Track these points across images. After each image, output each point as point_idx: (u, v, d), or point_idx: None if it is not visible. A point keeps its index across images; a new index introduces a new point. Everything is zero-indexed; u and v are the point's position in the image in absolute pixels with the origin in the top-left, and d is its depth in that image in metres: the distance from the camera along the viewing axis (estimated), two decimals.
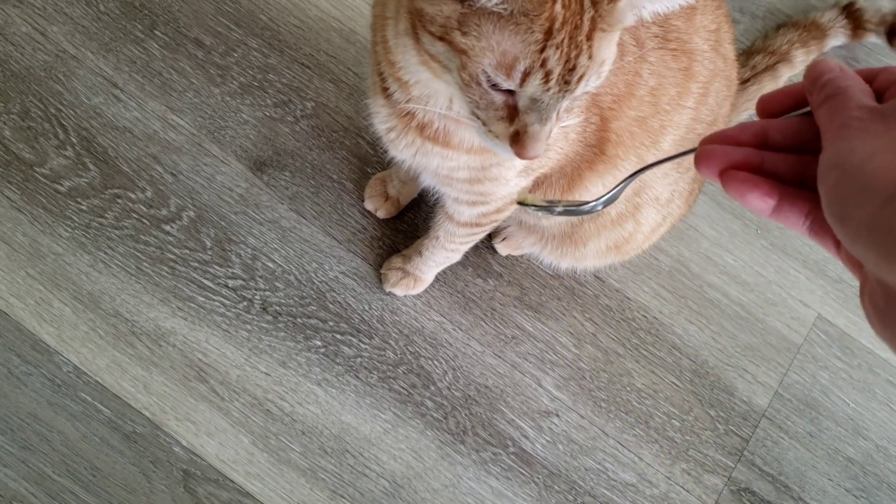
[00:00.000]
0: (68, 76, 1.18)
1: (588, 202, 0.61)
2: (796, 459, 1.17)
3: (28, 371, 1.06)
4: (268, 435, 1.08)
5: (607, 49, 0.62)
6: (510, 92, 0.63)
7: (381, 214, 1.17)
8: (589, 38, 0.59)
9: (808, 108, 0.48)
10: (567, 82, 0.60)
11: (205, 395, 1.08)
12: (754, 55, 1.34)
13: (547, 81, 0.60)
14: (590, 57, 0.60)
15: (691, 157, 0.51)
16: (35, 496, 1.02)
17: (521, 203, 0.68)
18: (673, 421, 1.16)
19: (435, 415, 1.12)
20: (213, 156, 1.18)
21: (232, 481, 1.06)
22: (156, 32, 1.22)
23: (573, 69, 0.60)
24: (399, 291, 1.15)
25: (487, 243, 1.19)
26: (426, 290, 1.16)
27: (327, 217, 1.17)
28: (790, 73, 1.31)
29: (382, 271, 1.15)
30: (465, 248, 1.07)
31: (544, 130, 0.64)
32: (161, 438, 1.06)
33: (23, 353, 1.07)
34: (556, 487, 1.11)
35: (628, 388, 1.17)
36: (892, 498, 1.16)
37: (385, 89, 0.79)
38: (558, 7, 0.57)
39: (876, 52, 1.35)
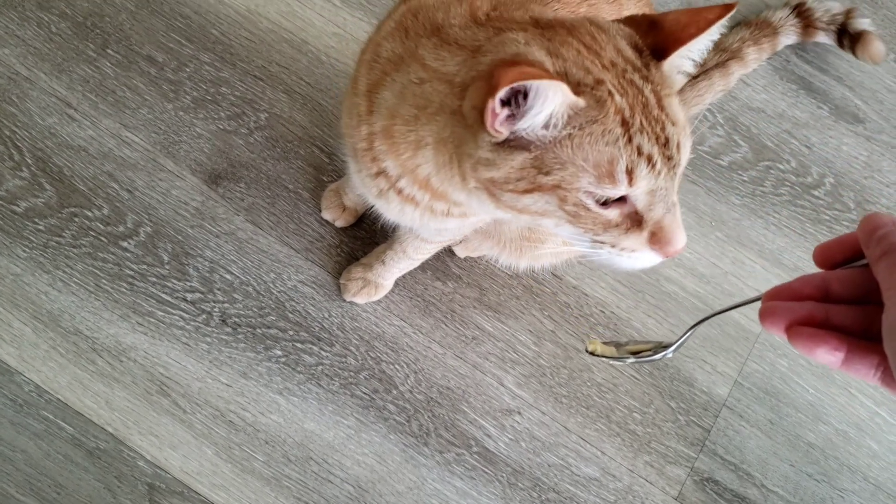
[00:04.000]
0: (21, 98, 1.19)
1: (661, 352, 0.60)
2: (758, 447, 1.18)
3: None
4: (231, 446, 1.09)
5: (681, 110, 0.63)
6: (622, 200, 0.62)
7: (339, 224, 1.18)
8: (661, 106, 0.60)
9: (865, 261, 0.48)
10: (670, 157, 0.60)
11: (167, 409, 1.09)
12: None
13: (653, 166, 0.60)
14: (673, 123, 0.60)
15: None
16: None
17: (591, 353, 0.65)
18: (634, 414, 1.17)
19: (397, 418, 1.13)
20: (168, 171, 1.19)
21: (197, 493, 1.07)
22: (108, 51, 1.23)
23: (667, 142, 0.60)
24: (360, 300, 1.16)
25: (446, 246, 1.20)
26: (386, 296, 1.17)
27: (284, 227, 1.18)
28: (742, 71, 1.33)
29: (342, 281, 1.16)
30: (430, 256, 1.09)
31: (678, 217, 0.62)
32: (125, 453, 1.07)
33: None
34: (519, 485, 1.13)
35: (589, 384, 1.18)
36: (853, 481, 1.18)
37: (381, 172, 0.75)
38: (618, 98, 0.59)
39: (826, 52, 1.37)
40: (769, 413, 1.20)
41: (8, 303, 1.11)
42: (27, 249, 1.13)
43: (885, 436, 1.21)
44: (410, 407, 1.14)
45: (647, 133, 0.59)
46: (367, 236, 1.19)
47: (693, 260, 1.25)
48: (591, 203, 0.61)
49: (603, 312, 1.22)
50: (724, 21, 0.64)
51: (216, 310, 1.14)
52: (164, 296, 1.13)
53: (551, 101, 0.57)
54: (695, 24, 0.63)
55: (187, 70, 1.23)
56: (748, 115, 1.34)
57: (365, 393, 1.13)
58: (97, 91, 1.21)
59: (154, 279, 1.14)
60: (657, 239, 0.62)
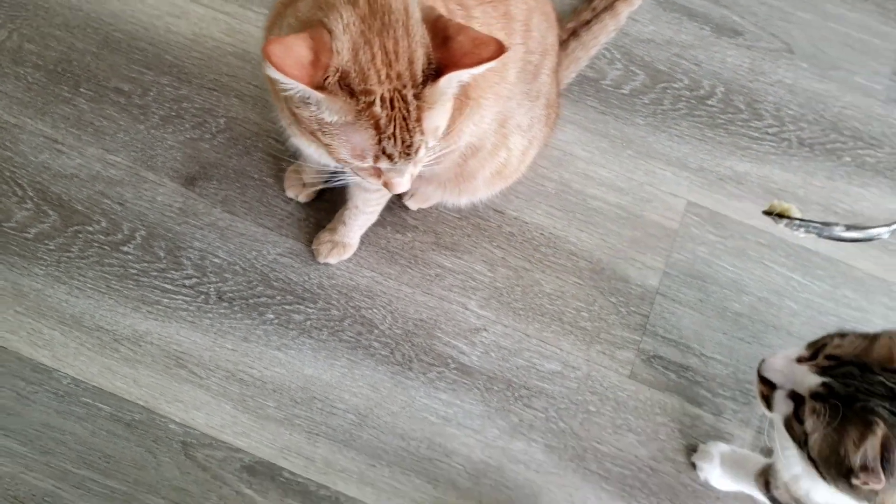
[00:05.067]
0: (14, 142, 1.38)
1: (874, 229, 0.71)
2: (692, 323, 1.37)
3: (34, 390, 1.26)
4: (245, 398, 1.28)
5: (439, 114, 0.81)
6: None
7: (302, 199, 1.37)
8: (418, 120, 0.78)
9: None
10: (409, 154, 0.80)
11: (186, 378, 1.28)
12: None
13: (392, 160, 0.80)
14: (422, 133, 0.79)
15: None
16: (62, 490, 1.22)
17: (777, 215, 0.78)
18: (582, 313, 1.37)
19: (382, 352, 1.32)
20: (150, 181, 1.38)
21: (224, 442, 1.25)
22: (81, 90, 1.42)
23: (410, 146, 0.79)
24: (332, 260, 1.35)
25: (400, 203, 1.39)
26: (355, 254, 1.36)
27: (256, 211, 1.37)
28: (629, 10, 1.51)
29: (314, 247, 1.35)
30: (380, 207, 1.28)
31: (405, 178, 0.85)
32: (157, 420, 1.26)
33: (26, 376, 1.26)
34: (495, 388, 1.32)
35: (540, 295, 1.37)
36: (779, 337, 1.37)
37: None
38: (378, 109, 0.76)
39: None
40: (697, 293, 1.39)
41: (36, 314, 1.29)
42: (43, 267, 1.32)
43: (800, 295, 1.40)
44: (392, 341, 1.33)
45: (396, 139, 0.78)
46: (328, 207, 1.38)
47: (612, 177, 1.45)
48: (348, 158, 0.82)
49: (542, 234, 1.41)
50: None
51: (212, 290, 1.33)
52: (166, 285, 1.32)
53: (295, 87, 0.75)
54: (474, 55, 0.78)
55: (151, 94, 1.42)
56: (641, 47, 1.54)
57: (351, 336, 1.32)
58: (77, 125, 1.39)
59: (155, 273, 1.33)
60: (387, 185, 0.87)
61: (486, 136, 1.14)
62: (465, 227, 1.40)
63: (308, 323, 1.32)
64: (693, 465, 1.29)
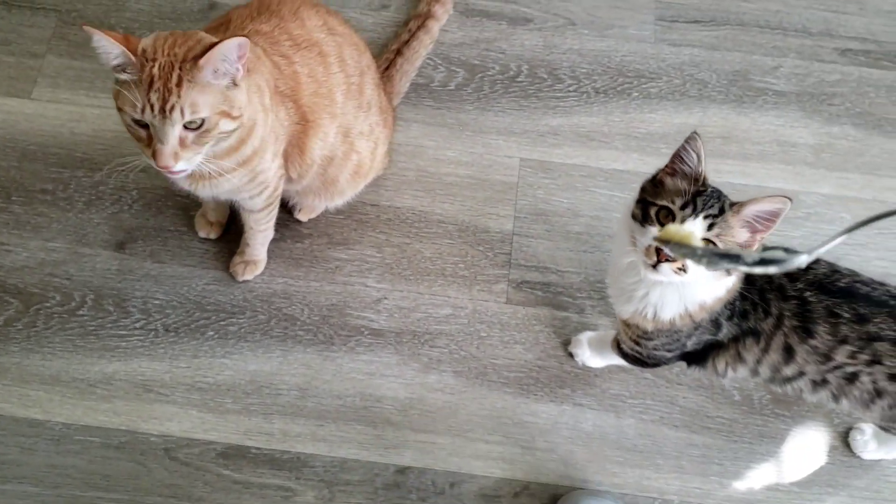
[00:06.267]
0: None
1: (792, 258, 0.78)
2: (545, 249, 1.71)
3: (33, 441, 1.53)
4: (206, 402, 1.56)
5: (200, 96, 1.11)
6: (146, 127, 1.14)
7: (213, 236, 1.68)
8: (178, 85, 1.10)
9: None
10: (164, 113, 1.10)
11: (155, 399, 1.56)
12: (408, 22, 1.91)
13: (153, 111, 1.10)
14: (178, 97, 1.10)
15: None
16: None
17: (661, 241, 1.05)
18: (459, 265, 1.69)
19: (307, 337, 1.62)
20: (87, 255, 1.67)
21: (197, 440, 1.54)
22: (12, 198, 1.71)
23: (165, 105, 1.10)
24: (249, 276, 1.65)
25: (293, 218, 1.71)
26: (266, 267, 1.67)
27: (179, 255, 1.68)
28: (438, 24, 1.89)
29: (231, 270, 1.65)
30: (272, 222, 1.59)
31: (167, 149, 1.12)
32: (140, 437, 1.54)
33: (24, 432, 1.53)
34: (404, 340, 1.63)
35: (423, 260, 1.70)
36: (607, 237, 1.72)
37: None
38: (155, 70, 1.09)
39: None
40: (544, 226, 1.73)
41: (20, 382, 1.57)
42: (17, 344, 1.59)
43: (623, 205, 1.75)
44: (313, 326, 1.63)
45: (159, 94, 1.09)
46: (235, 236, 1.69)
47: (457, 156, 1.79)
48: (131, 123, 1.14)
49: (414, 213, 1.74)
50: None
51: (159, 325, 1.62)
52: (121, 332, 1.61)
53: (115, 51, 1.08)
54: (194, 50, 1.11)
55: (72, 186, 1.73)
56: (455, 50, 1.90)
57: (279, 332, 1.63)
58: (17, 227, 1.69)
59: (110, 325, 1.62)
60: (154, 155, 1.14)
61: (334, 147, 1.47)
62: (350, 223, 1.73)
63: (242, 331, 1.62)
64: (571, 355, 1.61)
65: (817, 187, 1.79)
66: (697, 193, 1.10)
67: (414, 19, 1.90)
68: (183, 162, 1.15)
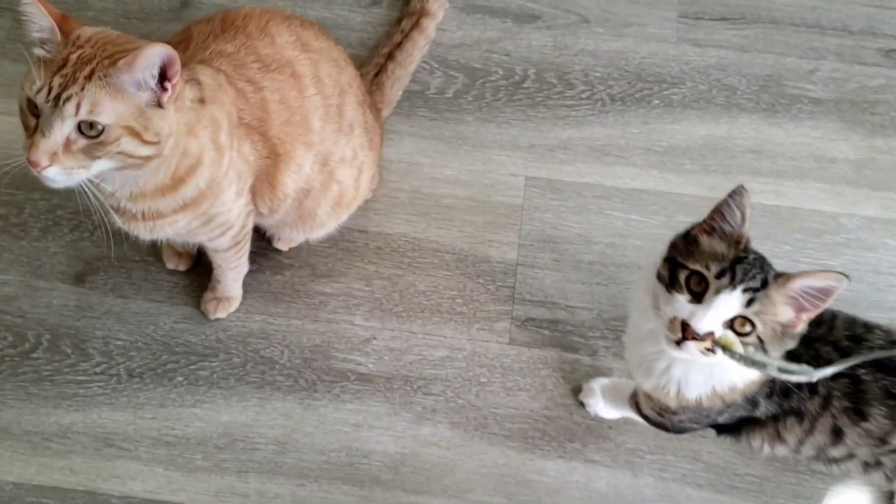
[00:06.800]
0: None
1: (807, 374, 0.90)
2: (553, 282, 1.53)
3: None
4: (174, 458, 1.40)
5: (107, 99, 0.95)
6: (38, 116, 0.96)
7: (182, 268, 1.51)
8: (88, 78, 0.94)
9: None
10: (58, 102, 0.93)
11: (116, 454, 1.40)
12: (401, 20, 1.71)
13: (48, 96, 0.94)
14: (81, 89, 0.94)
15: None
16: None
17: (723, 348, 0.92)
18: (457, 300, 1.52)
19: (287, 383, 1.45)
20: (43, 289, 1.50)
21: (163, 502, 1.38)
22: None
23: (62, 94, 0.94)
24: (222, 314, 1.48)
25: (271, 247, 1.53)
26: (242, 303, 1.49)
27: (145, 289, 1.50)
28: (434, 22, 1.69)
29: (202, 307, 1.48)
30: (244, 258, 1.41)
31: (45, 143, 0.95)
32: (99, 499, 1.38)
33: None
34: (394, 386, 1.46)
35: (416, 294, 1.52)
36: (630, 273, 1.53)
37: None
38: (74, 56, 0.95)
39: None
40: (552, 254, 1.55)
41: None
42: None
43: (641, 231, 1.57)
44: (294, 371, 1.46)
45: (64, 79, 0.94)
46: (207, 268, 1.51)
47: (455, 174, 1.60)
48: (24, 104, 0.98)
49: (406, 241, 1.56)
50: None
51: (122, 370, 1.45)
52: (79, 378, 1.44)
53: (46, 24, 0.97)
54: (125, 52, 0.96)
55: (26, 210, 1.55)
56: (454, 52, 1.70)
57: (256, 377, 1.46)
58: None
59: (67, 369, 1.45)
60: (29, 148, 0.97)
61: (311, 178, 1.29)
62: (335, 253, 1.55)
63: (214, 376, 1.45)
64: (582, 404, 1.44)
65: (859, 209, 1.60)
66: (737, 260, 0.92)
67: (407, 17, 1.70)
68: (58, 168, 0.97)
